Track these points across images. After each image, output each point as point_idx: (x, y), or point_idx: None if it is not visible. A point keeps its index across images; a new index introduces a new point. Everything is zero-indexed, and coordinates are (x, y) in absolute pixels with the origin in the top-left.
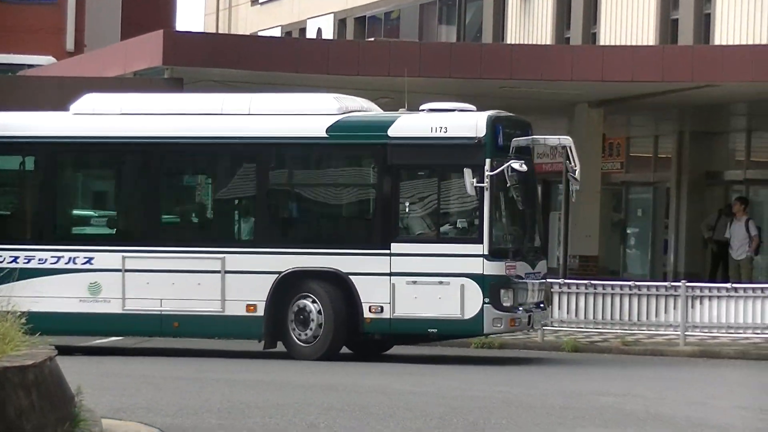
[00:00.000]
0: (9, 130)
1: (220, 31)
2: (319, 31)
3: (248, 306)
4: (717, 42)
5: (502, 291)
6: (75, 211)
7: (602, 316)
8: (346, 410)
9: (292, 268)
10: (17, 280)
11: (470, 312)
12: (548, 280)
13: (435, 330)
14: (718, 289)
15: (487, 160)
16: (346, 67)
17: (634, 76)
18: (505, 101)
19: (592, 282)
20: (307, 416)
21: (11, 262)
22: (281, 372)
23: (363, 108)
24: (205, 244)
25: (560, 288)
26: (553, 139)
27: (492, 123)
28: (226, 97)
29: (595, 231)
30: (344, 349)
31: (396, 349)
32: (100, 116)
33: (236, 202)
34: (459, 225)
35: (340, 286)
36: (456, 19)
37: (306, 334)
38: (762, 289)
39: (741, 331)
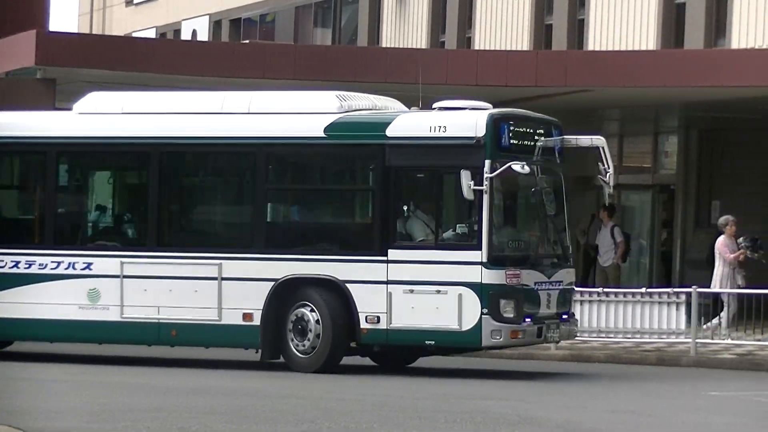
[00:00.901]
0: (7, 130)
1: (95, 32)
2: (194, 32)
3: (245, 314)
4: (590, 47)
5: (503, 301)
6: (75, 214)
7: None
8: (224, 414)
9: (289, 275)
10: (19, 285)
11: (468, 323)
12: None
13: (432, 342)
14: (590, 293)
15: (487, 162)
16: (221, 68)
17: (508, 81)
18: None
19: None
20: (179, 420)
21: (12, 267)
22: (183, 376)
23: (376, 107)
24: (202, 250)
25: None
26: (585, 139)
27: (494, 122)
28: (227, 96)
29: None
30: (367, 361)
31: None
32: (101, 116)
33: (234, 205)
34: (458, 230)
35: (337, 295)
36: (331, 22)
37: (304, 345)
38: (632, 293)
39: (612, 335)
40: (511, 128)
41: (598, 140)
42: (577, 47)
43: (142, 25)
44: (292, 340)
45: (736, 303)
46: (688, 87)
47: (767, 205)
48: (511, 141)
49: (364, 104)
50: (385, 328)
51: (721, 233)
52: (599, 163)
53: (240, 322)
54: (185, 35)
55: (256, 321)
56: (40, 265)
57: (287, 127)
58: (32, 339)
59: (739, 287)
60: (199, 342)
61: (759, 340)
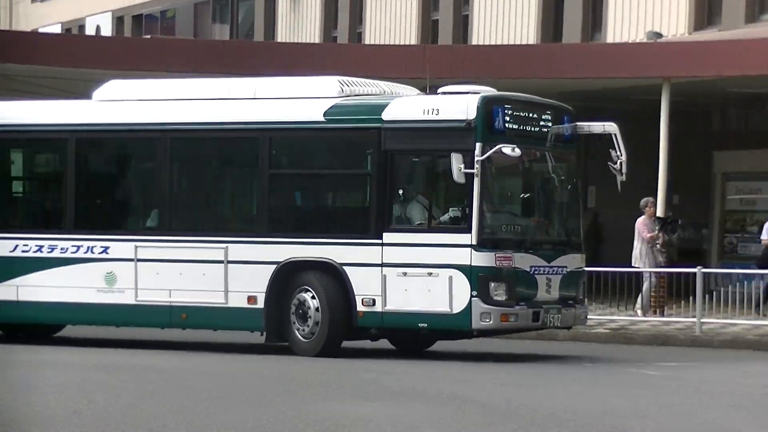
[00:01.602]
0: (28, 118)
1: (1, 27)
2: (98, 28)
3: (249, 297)
4: (474, 42)
5: (493, 284)
6: (93, 199)
7: None
8: (122, 389)
9: (290, 258)
10: (42, 269)
11: (458, 306)
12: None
13: (425, 325)
14: None
15: (478, 144)
16: (124, 63)
17: (398, 74)
18: None
19: None
20: (84, 394)
21: (37, 251)
22: (91, 354)
23: (384, 92)
24: (210, 233)
25: None
26: (597, 126)
27: (485, 105)
28: (234, 82)
29: None
30: (387, 344)
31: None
32: (118, 103)
33: (239, 189)
34: (451, 214)
35: (336, 278)
36: (229, 17)
37: (304, 329)
38: None
39: None
40: (508, 112)
41: (611, 127)
42: (462, 42)
43: (48, 20)
44: (294, 323)
45: (657, 279)
46: (564, 78)
47: (638, 191)
48: (508, 125)
49: (369, 90)
50: (380, 310)
51: (642, 214)
52: (611, 150)
53: (245, 305)
54: (89, 30)
55: (260, 304)
56: (61, 249)
57: (289, 112)
58: (54, 322)
59: (659, 265)
60: (208, 325)
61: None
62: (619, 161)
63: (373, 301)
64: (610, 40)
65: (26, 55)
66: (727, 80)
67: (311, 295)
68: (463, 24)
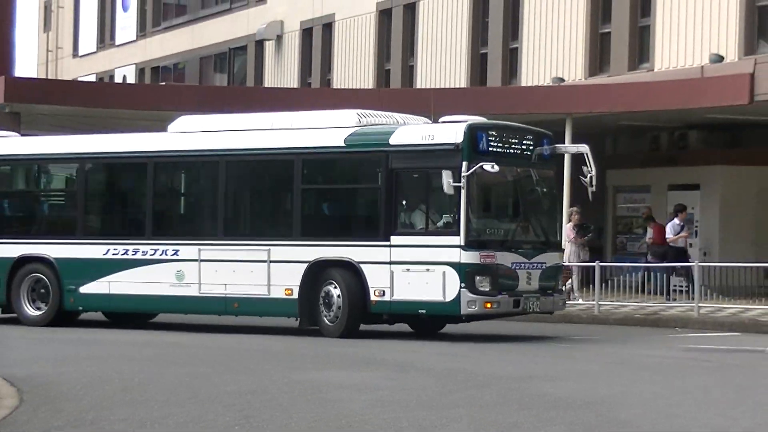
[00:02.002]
0: (118, 148)
1: (50, 77)
2: (124, 77)
3: (286, 290)
4: (419, 86)
5: (478, 277)
6: (167, 212)
7: None
8: (146, 360)
9: (318, 257)
10: (128, 268)
11: (450, 295)
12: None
13: (424, 311)
14: None
15: (464, 163)
16: (144, 104)
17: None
18: None
19: None
20: (113, 364)
21: (124, 253)
22: (128, 334)
23: (397, 122)
24: (256, 238)
25: None
26: (572, 147)
27: (470, 131)
28: (275, 116)
29: None
30: (405, 327)
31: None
32: (185, 134)
33: (280, 201)
34: (444, 220)
35: (354, 274)
36: (227, 68)
37: (330, 315)
38: None
39: None
40: (492, 136)
41: (583, 147)
42: (409, 86)
43: (85, 71)
44: (322, 311)
45: (580, 273)
46: (489, 114)
47: None
48: (491, 147)
49: (383, 120)
50: (389, 300)
51: (570, 221)
52: (583, 167)
53: (283, 296)
54: (117, 79)
55: (295, 295)
56: (142, 252)
57: (317, 139)
58: (137, 311)
59: (585, 261)
60: (254, 312)
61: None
62: (589, 175)
63: (383, 292)
64: (524, 83)
65: (68, 99)
66: (616, 114)
67: (335, 287)
68: (409, 72)
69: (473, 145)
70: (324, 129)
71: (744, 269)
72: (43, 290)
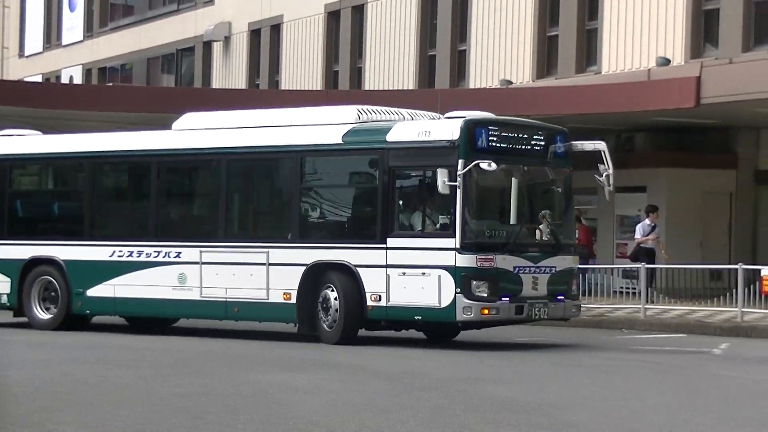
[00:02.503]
0: (120, 146)
1: None
2: (71, 78)
3: (284, 294)
4: (367, 88)
5: (474, 282)
6: (170, 213)
7: None
8: (93, 362)
9: (316, 260)
10: (133, 271)
11: (445, 301)
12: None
13: (420, 317)
14: None
15: (460, 161)
16: (91, 105)
17: None
18: None
19: None
20: (58, 366)
21: (128, 256)
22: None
23: (403, 118)
24: (255, 240)
25: None
26: (588, 144)
27: (468, 127)
28: (277, 112)
29: None
30: (420, 335)
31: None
32: (186, 132)
33: (279, 201)
34: (441, 221)
35: (351, 277)
36: (174, 69)
37: (327, 321)
38: None
39: None
40: (493, 133)
41: (600, 144)
42: (357, 87)
43: (31, 72)
44: (320, 316)
45: None
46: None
47: None
48: (492, 144)
49: (386, 116)
50: (385, 305)
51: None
52: (599, 165)
53: (281, 300)
54: (64, 80)
55: (293, 299)
56: (146, 254)
57: (316, 137)
58: (142, 315)
59: None
60: (254, 317)
61: None
62: (606, 174)
63: (380, 297)
64: (472, 86)
65: (15, 99)
66: (564, 117)
67: (332, 291)
68: (357, 73)
69: (471, 142)
70: (322, 126)
71: (690, 271)
72: (54, 293)
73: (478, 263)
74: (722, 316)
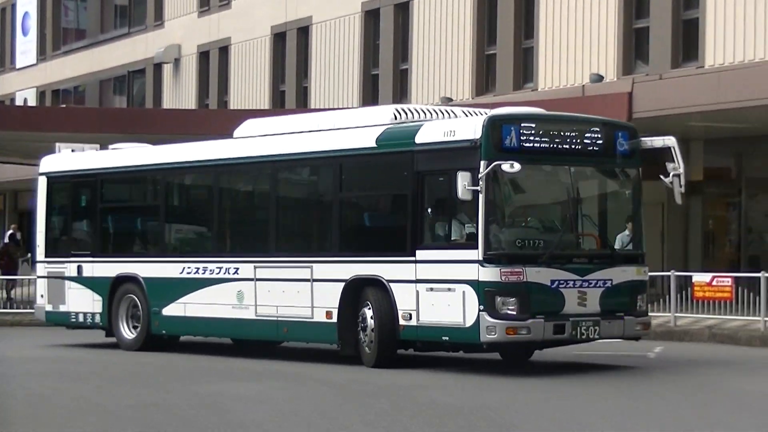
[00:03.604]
0: (182, 157)
1: None
2: (25, 100)
3: (327, 312)
4: (312, 106)
5: (498, 298)
6: (228, 225)
7: None
8: (47, 376)
9: (355, 275)
10: (200, 288)
11: (470, 320)
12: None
13: (447, 338)
14: None
15: (482, 162)
16: (45, 126)
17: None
18: None
19: None
20: (21, 381)
21: (195, 272)
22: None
23: (442, 117)
24: (300, 254)
25: None
26: (658, 140)
27: (492, 124)
28: (321, 116)
29: None
30: (495, 356)
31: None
32: (241, 141)
33: (321, 212)
34: (467, 230)
35: (385, 294)
36: (126, 91)
37: (366, 341)
38: None
39: None
40: (527, 130)
41: (670, 140)
42: (303, 106)
43: None
44: (361, 337)
45: None
46: None
47: None
48: (526, 143)
49: (425, 116)
50: (416, 324)
51: None
52: (667, 163)
53: (324, 319)
54: (18, 102)
55: (334, 318)
56: (210, 270)
57: (352, 140)
58: (208, 335)
59: None
60: (301, 338)
61: None
62: (674, 174)
63: (410, 315)
64: (414, 103)
65: None
66: None
67: (369, 309)
68: (303, 93)
69: (496, 141)
70: (359, 129)
71: None
72: (139, 312)
73: (503, 277)
74: (656, 321)
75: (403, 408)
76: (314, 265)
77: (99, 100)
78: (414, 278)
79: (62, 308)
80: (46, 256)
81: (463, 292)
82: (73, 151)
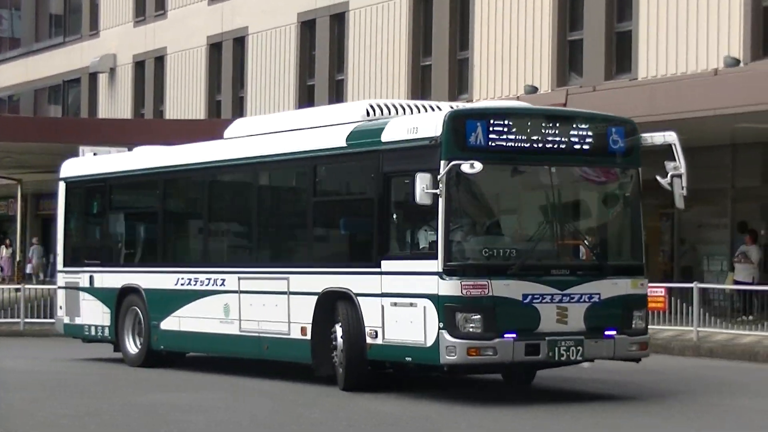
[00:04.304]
0: (172, 161)
1: None
2: None
3: (302, 328)
4: (248, 115)
5: (459, 314)
6: (215, 232)
7: None
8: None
9: (326, 288)
10: (192, 301)
11: (430, 339)
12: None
13: (410, 359)
14: None
15: (442, 163)
16: None
17: (190, 141)
18: None
19: None
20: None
21: (187, 283)
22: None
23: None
24: (278, 264)
25: None
26: (657, 136)
27: (454, 120)
28: (297, 114)
29: None
30: (497, 377)
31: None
32: (225, 142)
33: (295, 218)
34: (430, 239)
35: (354, 309)
36: (61, 100)
37: (337, 361)
38: None
39: None
40: (496, 126)
41: (670, 136)
42: (240, 116)
43: None
44: (333, 356)
45: None
46: None
47: None
48: (495, 141)
49: (397, 113)
50: (381, 343)
51: None
52: (666, 162)
53: (300, 336)
54: None
55: (308, 335)
56: (200, 281)
57: (324, 140)
58: (197, 351)
59: None
60: (280, 356)
61: None
62: (677, 173)
63: (376, 333)
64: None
65: None
66: None
67: (340, 323)
68: (240, 102)
69: (459, 138)
70: (331, 127)
71: None
72: (142, 326)
73: (464, 291)
74: None
75: (340, 417)
76: (291, 276)
77: (34, 109)
78: (380, 292)
79: (77, 320)
80: (64, 266)
81: (425, 307)
82: (95, 154)
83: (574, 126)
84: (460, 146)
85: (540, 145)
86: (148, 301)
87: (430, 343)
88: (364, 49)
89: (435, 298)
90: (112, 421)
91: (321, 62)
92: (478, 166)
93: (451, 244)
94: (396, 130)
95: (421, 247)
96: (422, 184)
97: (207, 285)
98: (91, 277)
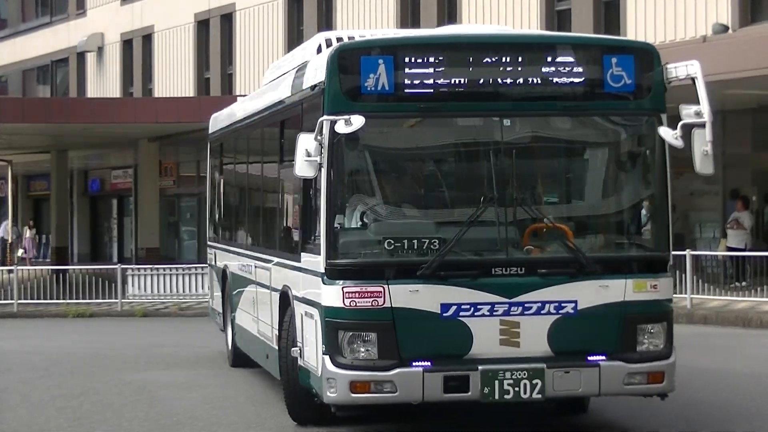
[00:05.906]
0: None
1: None
2: None
3: (273, 331)
4: (237, 93)
5: (341, 334)
6: (248, 212)
7: (164, 290)
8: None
9: (285, 283)
10: (242, 291)
11: (320, 366)
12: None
13: (314, 389)
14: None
15: (321, 120)
16: None
17: (179, 119)
18: (88, 139)
19: (155, 266)
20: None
21: (241, 269)
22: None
23: None
24: (263, 251)
25: (133, 271)
26: (681, 68)
27: (341, 57)
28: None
29: (156, 229)
30: None
31: None
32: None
33: (263, 197)
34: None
35: (292, 315)
36: (50, 80)
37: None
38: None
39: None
40: (406, 65)
41: (693, 66)
42: (228, 93)
43: None
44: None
45: None
46: None
47: None
48: (407, 84)
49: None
50: (302, 365)
51: None
52: (682, 106)
53: (273, 343)
54: None
55: (274, 343)
56: (245, 268)
57: (280, 90)
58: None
59: None
60: (261, 362)
61: None
62: (701, 121)
63: (300, 350)
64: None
65: None
66: None
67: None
68: (228, 79)
69: (348, 83)
70: (286, 74)
71: None
72: None
73: (347, 301)
74: None
75: None
76: (272, 267)
77: (22, 89)
78: (300, 295)
79: (212, 304)
80: (208, 241)
81: (316, 322)
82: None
83: (553, 55)
84: (352, 95)
85: (484, 87)
86: (229, 287)
87: (320, 371)
88: (350, 20)
89: (321, 310)
90: (107, 401)
91: (308, 37)
92: (357, 121)
93: (336, 234)
94: (309, 75)
95: (313, 237)
96: (303, 149)
97: (248, 273)
98: (213, 255)
